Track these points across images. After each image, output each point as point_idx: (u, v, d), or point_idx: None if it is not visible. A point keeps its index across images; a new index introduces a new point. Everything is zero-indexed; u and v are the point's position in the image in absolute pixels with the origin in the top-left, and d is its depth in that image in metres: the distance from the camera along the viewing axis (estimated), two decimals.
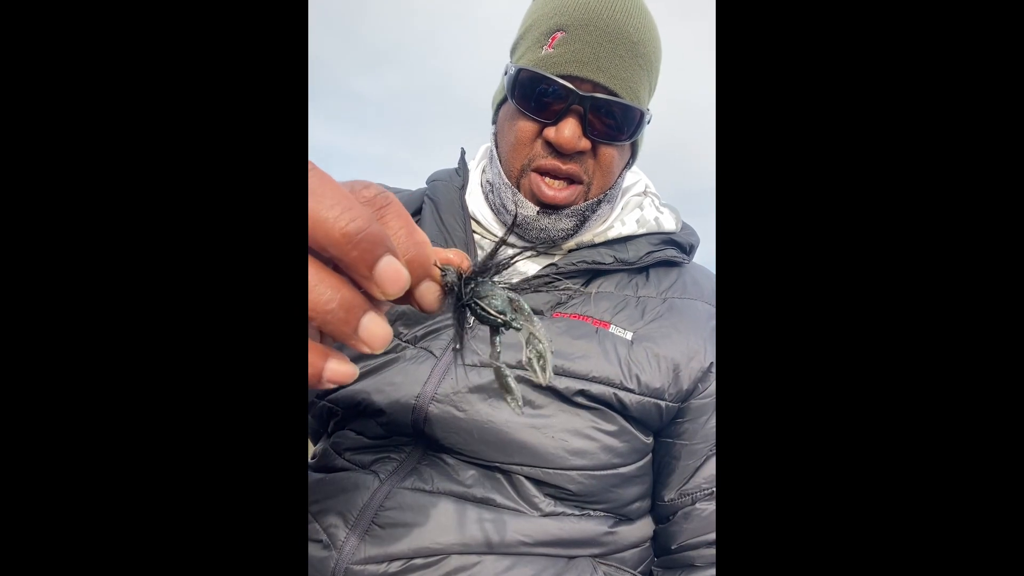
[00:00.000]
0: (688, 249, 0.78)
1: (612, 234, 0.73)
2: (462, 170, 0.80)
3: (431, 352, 0.64)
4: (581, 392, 0.62)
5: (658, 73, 0.71)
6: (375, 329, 0.25)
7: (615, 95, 0.64)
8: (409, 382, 0.62)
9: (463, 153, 0.82)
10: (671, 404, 0.66)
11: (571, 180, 0.67)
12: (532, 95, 0.65)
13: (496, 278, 0.30)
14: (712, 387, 0.68)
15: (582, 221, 0.70)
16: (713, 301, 0.73)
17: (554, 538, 0.61)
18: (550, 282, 0.68)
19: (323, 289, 0.24)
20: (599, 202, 0.70)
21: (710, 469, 0.67)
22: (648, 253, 0.72)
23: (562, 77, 0.63)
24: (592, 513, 0.64)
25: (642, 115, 0.66)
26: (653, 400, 0.64)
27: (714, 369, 0.68)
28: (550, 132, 0.65)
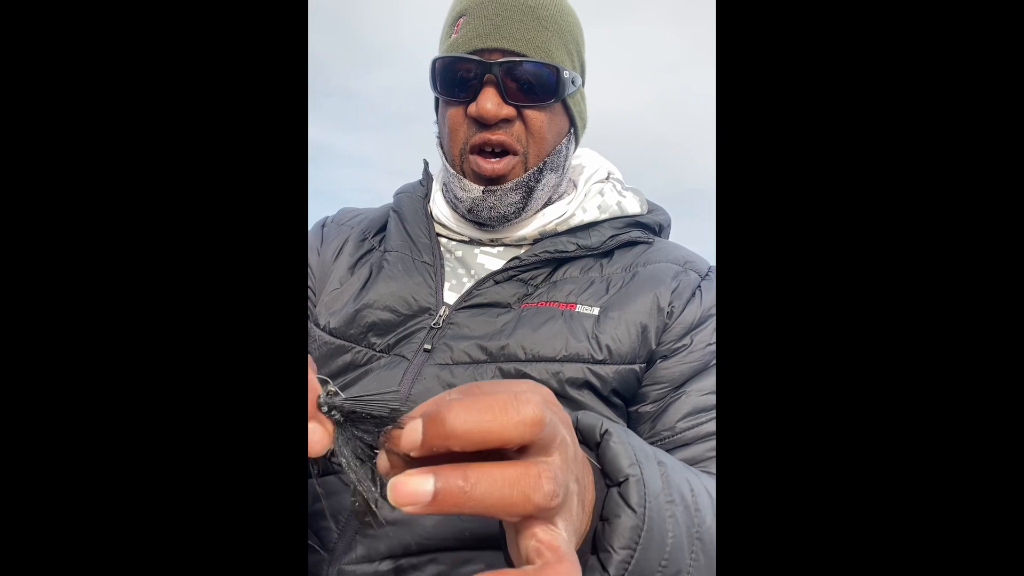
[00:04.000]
0: (658, 230, 0.79)
1: (574, 222, 0.73)
2: (426, 180, 0.81)
3: (404, 357, 0.64)
4: (556, 377, 0.62)
5: (576, 40, 0.72)
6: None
7: (523, 56, 0.66)
8: (382, 388, 0.62)
9: (426, 164, 0.84)
10: (644, 366, 0.65)
11: (505, 151, 0.68)
12: (448, 79, 0.68)
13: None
14: (671, 334, 0.66)
15: (528, 192, 0.70)
16: (681, 263, 0.72)
17: None
18: (515, 276, 0.68)
19: None
20: (540, 170, 0.70)
21: (672, 415, 0.64)
22: (612, 237, 0.73)
23: (470, 54, 0.66)
24: None
25: (559, 72, 0.67)
26: (628, 367, 0.64)
27: (674, 315, 0.66)
28: (472, 108, 0.67)
